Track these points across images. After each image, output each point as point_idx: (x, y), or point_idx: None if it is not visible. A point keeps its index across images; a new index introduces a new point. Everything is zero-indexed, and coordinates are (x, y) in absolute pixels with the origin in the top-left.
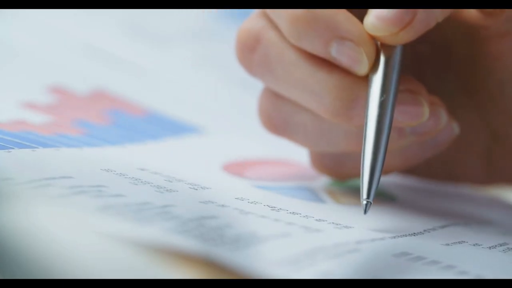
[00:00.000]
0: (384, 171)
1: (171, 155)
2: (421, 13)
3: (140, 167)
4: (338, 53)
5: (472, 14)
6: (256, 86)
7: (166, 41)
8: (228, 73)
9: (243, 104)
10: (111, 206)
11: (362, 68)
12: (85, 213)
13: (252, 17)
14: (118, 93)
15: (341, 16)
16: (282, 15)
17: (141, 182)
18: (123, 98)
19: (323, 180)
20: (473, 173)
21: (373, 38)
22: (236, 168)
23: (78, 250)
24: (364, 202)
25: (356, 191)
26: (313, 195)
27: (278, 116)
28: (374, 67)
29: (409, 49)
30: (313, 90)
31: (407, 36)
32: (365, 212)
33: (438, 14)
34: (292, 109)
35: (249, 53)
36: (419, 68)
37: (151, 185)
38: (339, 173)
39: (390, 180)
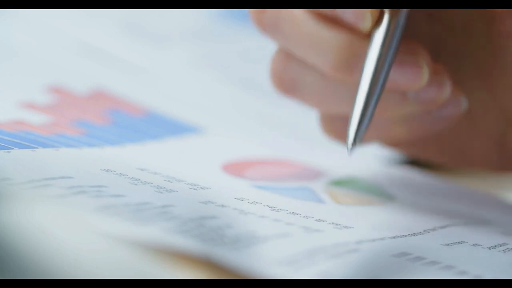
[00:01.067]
0: (392, 142)
1: (170, 155)
2: None
3: (140, 167)
4: (342, 9)
5: None
6: (256, 86)
7: (166, 40)
8: (228, 73)
9: (243, 104)
10: (111, 206)
11: (365, 24)
12: (85, 213)
13: None
14: (118, 93)
15: None
16: None
17: (141, 182)
18: (123, 98)
19: (323, 180)
20: (487, 158)
21: None
22: (235, 168)
23: (78, 250)
24: (350, 145)
25: (356, 191)
26: (313, 195)
27: (288, 75)
28: (376, 26)
29: (426, 29)
30: (318, 47)
31: None
32: (349, 152)
33: None
34: (300, 68)
35: (260, 12)
36: (434, 50)
37: (151, 185)
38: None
39: (390, 180)
